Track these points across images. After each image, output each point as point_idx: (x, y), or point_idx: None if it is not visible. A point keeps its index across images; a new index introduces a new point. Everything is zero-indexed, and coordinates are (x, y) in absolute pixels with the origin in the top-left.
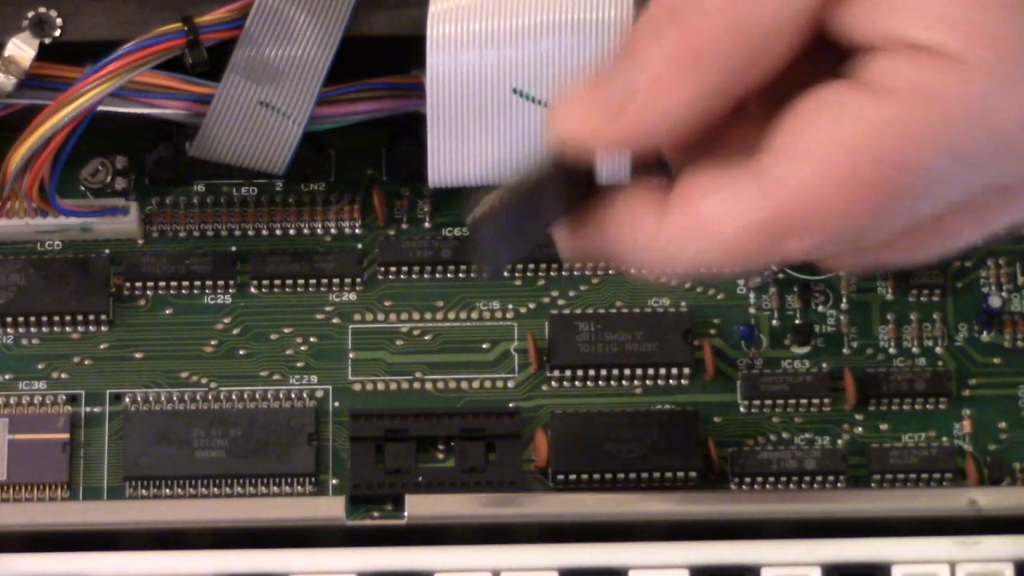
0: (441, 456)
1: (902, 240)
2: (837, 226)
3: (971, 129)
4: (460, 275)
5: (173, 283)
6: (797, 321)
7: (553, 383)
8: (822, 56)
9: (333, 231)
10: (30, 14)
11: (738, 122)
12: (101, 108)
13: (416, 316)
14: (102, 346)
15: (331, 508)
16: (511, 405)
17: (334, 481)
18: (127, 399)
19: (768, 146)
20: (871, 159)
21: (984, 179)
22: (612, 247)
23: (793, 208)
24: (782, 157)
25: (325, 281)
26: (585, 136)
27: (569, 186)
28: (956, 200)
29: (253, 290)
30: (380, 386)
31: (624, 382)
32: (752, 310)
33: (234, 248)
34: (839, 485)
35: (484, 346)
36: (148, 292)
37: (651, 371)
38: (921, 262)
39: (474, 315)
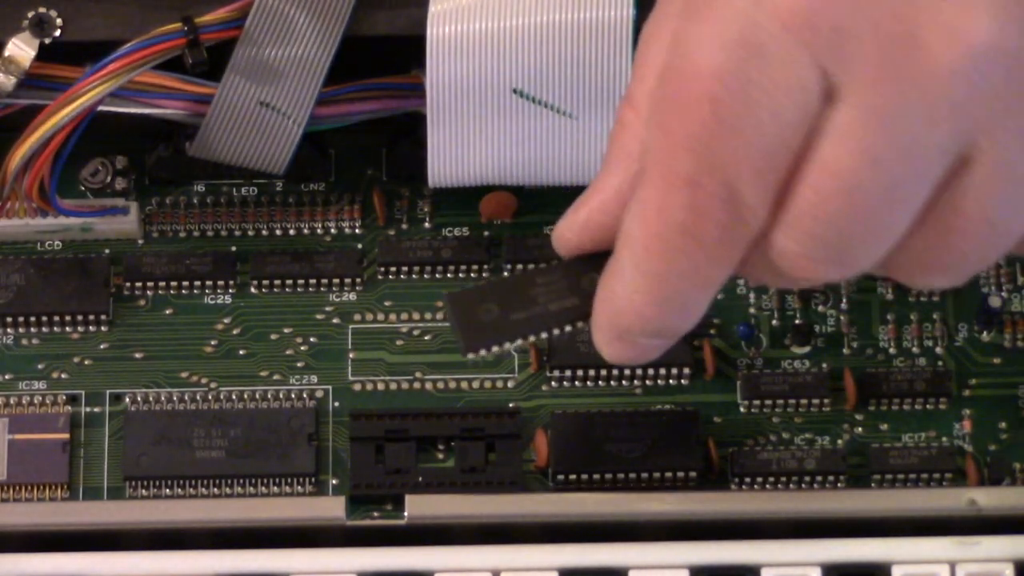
0: (441, 456)
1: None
2: (697, 156)
3: (696, 13)
4: (460, 275)
5: (173, 283)
6: (797, 321)
7: (553, 383)
8: None
9: (333, 231)
10: (30, 14)
11: None
12: (101, 108)
13: (416, 316)
14: (102, 346)
15: (331, 508)
16: (511, 405)
17: (334, 481)
18: (127, 399)
19: None
20: (669, 76)
21: (782, 72)
22: (609, 319)
23: (655, 161)
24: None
25: (325, 281)
26: (563, 233)
27: (570, 284)
28: (791, 108)
29: (253, 290)
30: (380, 386)
31: (624, 382)
32: (752, 310)
33: (234, 248)
34: (839, 485)
35: None
36: (148, 292)
37: (651, 371)
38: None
39: None
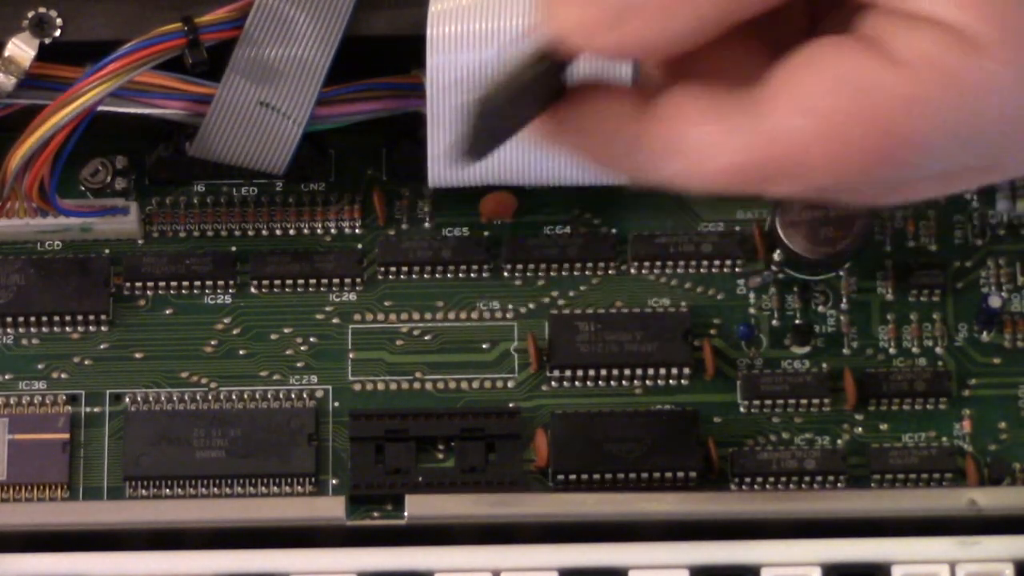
0: (441, 456)
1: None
2: (823, 181)
3: (982, 115)
4: (460, 275)
5: (173, 283)
6: (797, 321)
7: (553, 383)
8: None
9: (333, 231)
10: (30, 14)
11: (727, 43)
12: (101, 108)
13: (416, 316)
14: (102, 346)
15: (331, 508)
16: (511, 405)
17: (334, 481)
18: (127, 399)
19: (769, 88)
20: (878, 128)
21: (976, 160)
22: (588, 147)
23: (784, 157)
24: (784, 105)
25: (325, 281)
26: (579, 39)
27: (549, 82)
28: (937, 171)
29: (253, 290)
30: (380, 386)
31: (624, 382)
32: (752, 310)
33: (234, 248)
34: (839, 485)
35: (484, 346)
36: (148, 292)
37: (651, 371)
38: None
39: (474, 315)
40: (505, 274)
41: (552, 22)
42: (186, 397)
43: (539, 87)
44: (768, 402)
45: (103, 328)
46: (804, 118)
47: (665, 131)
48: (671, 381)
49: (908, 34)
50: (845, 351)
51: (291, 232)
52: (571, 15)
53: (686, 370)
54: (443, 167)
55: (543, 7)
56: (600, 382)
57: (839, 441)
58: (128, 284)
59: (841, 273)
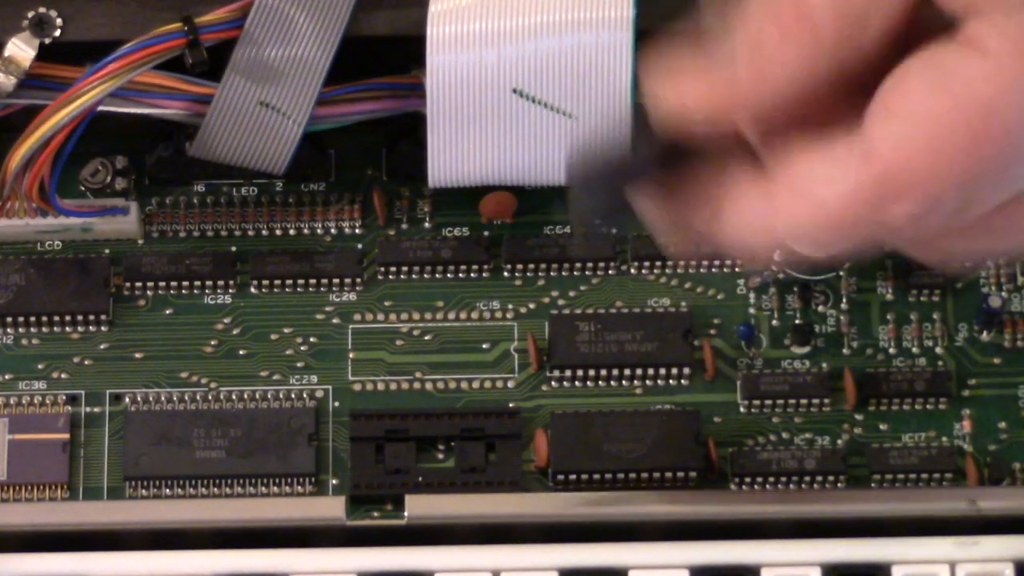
0: (441, 456)
1: (992, 220)
2: (939, 189)
3: None
4: (460, 275)
5: (173, 283)
6: (797, 321)
7: (553, 383)
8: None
9: (333, 231)
10: (30, 14)
11: (833, 100)
12: (101, 108)
13: (416, 316)
14: (102, 346)
15: (331, 508)
16: (511, 405)
17: (334, 481)
18: (127, 399)
19: (870, 110)
20: (976, 118)
21: None
22: (703, 222)
23: (895, 169)
24: (884, 117)
25: (325, 281)
26: (692, 108)
27: (662, 157)
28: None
29: (253, 290)
30: (380, 386)
31: (624, 382)
32: (752, 310)
33: (234, 248)
34: (839, 485)
35: (484, 346)
36: (148, 292)
37: (651, 371)
38: (1002, 251)
39: (474, 315)
40: (505, 274)
41: (662, 99)
42: (186, 397)
43: (652, 158)
44: (768, 402)
45: (103, 328)
46: (908, 125)
47: (786, 186)
48: (671, 381)
49: (989, 21)
50: (845, 351)
51: (291, 232)
52: (679, 89)
53: (686, 370)
54: (443, 167)
55: (655, 80)
56: (600, 382)
57: (839, 441)
58: (128, 284)
59: (841, 273)
